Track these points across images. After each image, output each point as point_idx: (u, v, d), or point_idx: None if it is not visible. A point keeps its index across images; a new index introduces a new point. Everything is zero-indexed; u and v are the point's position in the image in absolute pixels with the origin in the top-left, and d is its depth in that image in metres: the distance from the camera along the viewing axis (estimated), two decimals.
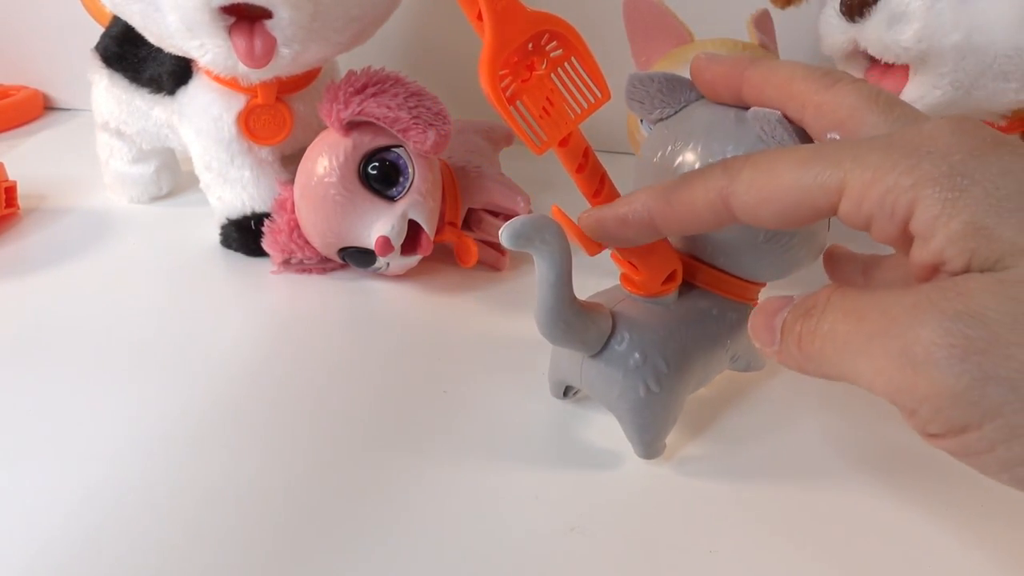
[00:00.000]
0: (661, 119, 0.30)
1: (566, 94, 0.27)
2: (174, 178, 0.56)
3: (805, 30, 0.45)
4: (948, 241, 0.18)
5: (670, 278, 0.30)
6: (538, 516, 0.29)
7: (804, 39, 0.46)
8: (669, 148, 0.29)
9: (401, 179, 0.42)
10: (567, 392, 0.35)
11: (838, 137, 0.23)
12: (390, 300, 0.44)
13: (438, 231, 0.44)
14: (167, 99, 0.48)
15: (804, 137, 0.26)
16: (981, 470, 0.18)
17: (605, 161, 0.29)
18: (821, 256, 0.30)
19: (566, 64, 0.27)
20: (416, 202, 0.42)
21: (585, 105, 0.27)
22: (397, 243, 0.41)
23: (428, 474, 0.31)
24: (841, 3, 0.39)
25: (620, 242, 0.28)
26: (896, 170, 0.19)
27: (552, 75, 0.27)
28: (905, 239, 0.19)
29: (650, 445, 0.31)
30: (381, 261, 0.42)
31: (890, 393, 0.19)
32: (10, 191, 0.50)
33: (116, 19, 0.49)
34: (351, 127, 0.42)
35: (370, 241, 0.41)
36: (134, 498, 0.30)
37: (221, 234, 0.49)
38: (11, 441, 0.33)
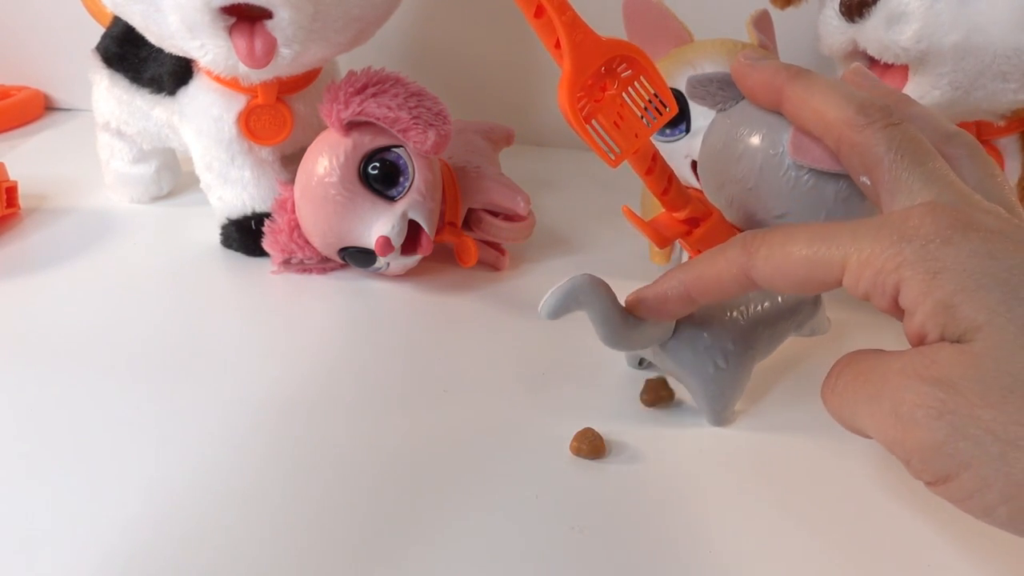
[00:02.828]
0: (723, 109, 0.31)
1: (636, 109, 0.30)
2: (175, 178, 0.56)
3: (805, 30, 0.45)
4: (925, 318, 0.21)
5: None
6: (538, 516, 0.29)
7: (804, 39, 0.46)
8: (733, 136, 0.29)
9: (401, 179, 0.42)
10: (642, 363, 0.37)
11: (868, 182, 0.25)
12: (390, 300, 0.44)
13: (438, 231, 0.44)
14: (168, 99, 0.48)
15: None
16: (970, 513, 0.21)
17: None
18: None
19: (635, 83, 0.30)
20: (416, 202, 0.42)
21: (654, 119, 0.31)
22: (397, 243, 0.41)
23: (427, 474, 0.31)
24: (840, 3, 0.39)
25: (662, 315, 0.30)
26: (884, 255, 0.22)
27: (623, 94, 0.30)
28: (898, 311, 0.23)
29: (720, 414, 0.34)
30: (381, 261, 0.43)
31: (888, 444, 0.22)
32: (11, 191, 0.51)
33: (117, 19, 0.49)
34: (351, 127, 0.42)
35: (370, 241, 0.41)
36: (133, 497, 0.30)
37: (221, 234, 0.49)
38: (10, 441, 0.33)
